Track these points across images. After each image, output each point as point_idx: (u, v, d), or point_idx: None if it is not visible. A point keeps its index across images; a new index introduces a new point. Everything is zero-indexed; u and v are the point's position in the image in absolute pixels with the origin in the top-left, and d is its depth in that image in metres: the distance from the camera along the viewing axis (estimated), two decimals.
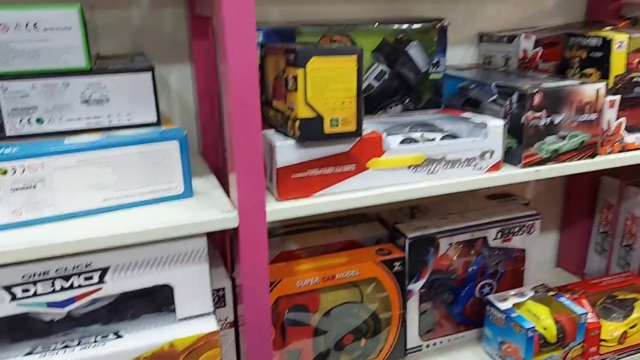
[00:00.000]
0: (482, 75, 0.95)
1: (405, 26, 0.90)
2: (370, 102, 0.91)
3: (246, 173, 0.63)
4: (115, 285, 0.64)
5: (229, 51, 0.59)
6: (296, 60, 0.64)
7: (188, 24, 0.87)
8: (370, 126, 0.78)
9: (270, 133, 0.71)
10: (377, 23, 0.89)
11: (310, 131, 0.66)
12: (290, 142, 0.67)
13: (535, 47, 0.98)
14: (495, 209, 1.01)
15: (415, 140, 0.76)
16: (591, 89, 0.80)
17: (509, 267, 1.02)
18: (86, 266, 0.62)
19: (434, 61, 0.92)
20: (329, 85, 0.65)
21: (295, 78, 0.64)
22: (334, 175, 0.70)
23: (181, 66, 0.90)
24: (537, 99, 0.77)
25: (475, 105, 0.88)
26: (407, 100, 0.93)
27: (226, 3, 0.58)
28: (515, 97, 0.79)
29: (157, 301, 0.69)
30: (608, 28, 1.03)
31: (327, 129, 0.67)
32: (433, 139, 0.77)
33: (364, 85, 0.90)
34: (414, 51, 0.91)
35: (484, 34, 1.06)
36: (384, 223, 1.01)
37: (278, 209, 0.67)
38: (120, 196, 0.66)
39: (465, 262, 0.99)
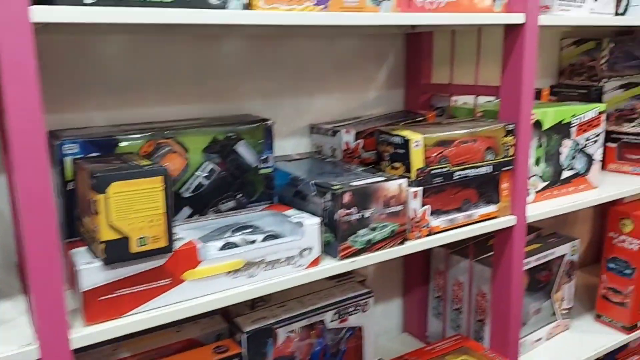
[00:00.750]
0: (311, 167, 1.03)
1: (232, 127, 0.95)
2: (202, 201, 0.93)
3: (44, 300, 0.62)
4: None
5: (18, 169, 0.58)
6: (96, 185, 0.64)
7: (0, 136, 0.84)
8: (191, 233, 0.80)
9: (80, 252, 0.70)
10: (205, 126, 0.93)
11: (116, 253, 0.66)
12: (97, 263, 0.66)
13: (357, 138, 1.08)
14: (332, 290, 1.07)
15: (235, 245, 0.79)
16: (394, 185, 0.89)
17: (350, 345, 1.07)
18: None
19: (263, 157, 0.97)
20: (133, 206, 0.66)
21: (96, 202, 0.65)
22: (147, 291, 0.70)
23: None
24: (346, 198, 0.85)
25: (303, 198, 0.94)
26: (240, 196, 0.97)
27: (13, 123, 0.57)
28: (328, 196, 0.85)
29: None
30: (419, 118, 1.17)
31: (135, 248, 0.67)
32: (254, 241, 0.81)
33: (195, 184, 0.93)
34: (243, 149, 0.96)
35: (314, 126, 1.14)
36: (227, 314, 1.02)
37: (85, 335, 0.65)
38: None
39: (308, 346, 1.02)
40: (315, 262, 0.84)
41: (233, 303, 0.76)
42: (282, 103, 1.12)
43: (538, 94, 1.36)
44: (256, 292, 0.78)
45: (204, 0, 0.72)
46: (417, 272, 1.32)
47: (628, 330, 1.32)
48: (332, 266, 0.85)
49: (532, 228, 1.38)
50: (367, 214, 0.87)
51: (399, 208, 0.90)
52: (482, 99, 1.21)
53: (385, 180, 0.89)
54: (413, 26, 1.14)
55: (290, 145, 1.14)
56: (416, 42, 1.22)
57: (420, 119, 1.18)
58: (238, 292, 0.76)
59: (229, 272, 0.76)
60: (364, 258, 0.88)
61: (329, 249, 0.87)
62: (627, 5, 1.22)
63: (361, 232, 0.87)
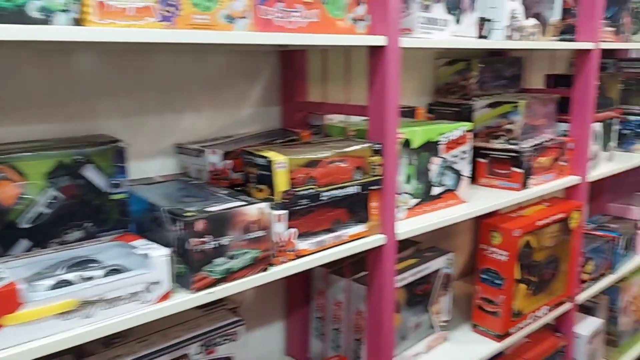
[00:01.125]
0: (173, 190, 0.97)
1: (79, 149, 0.87)
2: (43, 232, 0.84)
3: None
4: None
5: None
6: None
7: None
8: (19, 271, 0.72)
9: None
10: (47, 149, 0.85)
11: None
12: None
13: (225, 159, 1.04)
14: (199, 321, 1.01)
15: (69, 283, 0.72)
16: (255, 209, 0.86)
17: None
18: None
19: (114, 182, 0.90)
20: None
21: None
22: None
23: None
24: (199, 225, 0.80)
25: (160, 226, 0.88)
26: (89, 225, 0.89)
27: None
28: (180, 224, 0.80)
29: None
30: (294, 137, 1.15)
31: None
32: (91, 278, 0.74)
33: (34, 214, 0.84)
34: (91, 173, 0.88)
35: (180, 146, 1.08)
36: (81, 353, 0.93)
37: None
38: None
39: None
40: (165, 297, 0.78)
41: (66, 347, 0.68)
42: (146, 121, 1.05)
43: (413, 113, 1.40)
44: (94, 333, 0.71)
45: (23, 14, 0.65)
46: (299, 293, 1.30)
47: (500, 339, 1.38)
48: (185, 300, 0.80)
49: (411, 242, 1.40)
50: (224, 241, 0.83)
51: (260, 233, 0.87)
52: (359, 117, 1.22)
53: (245, 205, 0.85)
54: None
55: (154, 166, 1.07)
56: (290, 60, 1.20)
57: (295, 137, 1.16)
58: (72, 336, 0.69)
59: (60, 313, 0.68)
60: (222, 288, 0.83)
61: (182, 280, 0.81)
62: (490, 28, 1.28)
63: (218, 261, 0.83)
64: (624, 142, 1.87)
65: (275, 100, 1.23)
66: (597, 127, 1.58)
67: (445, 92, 1.54)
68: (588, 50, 1.45)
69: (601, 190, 2.20)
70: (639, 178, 2.16)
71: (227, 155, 1.04)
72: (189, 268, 0.80)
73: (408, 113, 1.41)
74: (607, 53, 2.01)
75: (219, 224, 0.82)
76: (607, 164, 1.69)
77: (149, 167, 1.06)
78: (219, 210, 0.82)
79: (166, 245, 0.81)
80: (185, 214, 0.80)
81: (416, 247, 1.40)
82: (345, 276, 1.21)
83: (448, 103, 1.50)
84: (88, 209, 0.88)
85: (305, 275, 1.29)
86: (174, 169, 1.10)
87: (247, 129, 1.20)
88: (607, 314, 1.88)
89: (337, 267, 1.25)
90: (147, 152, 1.06)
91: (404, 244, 1.42)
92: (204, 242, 0.80)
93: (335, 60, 1.28)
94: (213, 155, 1.02)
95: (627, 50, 2.13)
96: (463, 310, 1.56)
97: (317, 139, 1.17)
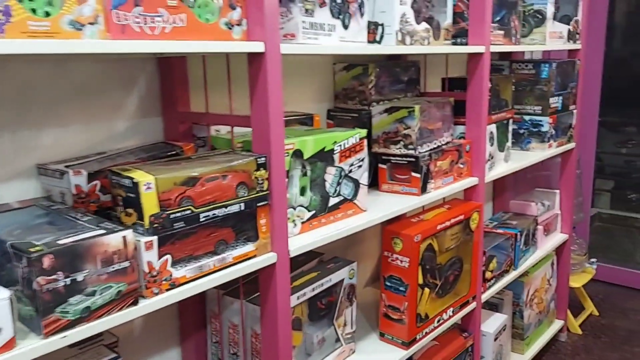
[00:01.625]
0: (30, 219, 0.85)
1: None
2: None
3: None
4: None
5: None
6: None
7: None
8: None
9: None
10: None
11: None
12: None
13: (93, 179, 0.94)
14: None
15: None
16: (116, 238, 0.77)
17: None
18: None
19: None
20: None
21: None
22: None
23: None
24: (46, 262, 0.70)
25: (11, 262, 0.76)
26: None
27: None
28: (24, 260, 0.70)
29: None
30: (175, 151, 1.07)
31: None
32: None
33: None
34: None
35: (41, 166, 0.97)
36: None
37: None
38: None
39: None
40: (7, 346, 0.67)
41: None
42: None
43: (313, 120, 1.36)
44: None
45: None
46: (194, 317, 1.21)
47: (407, 346, 1.36)
48: (33, 347, 0.69)
49: (315, 254, 1.36)
50: (80, 277, 0.73)
51: (125, 264, 0.78)
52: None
53: (105, 234, 0.76)
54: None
55: (12, 191, 0.95)
56: (169, 67, 1.11)
57: (177, 151, 1.07)
58: None
59: None
60: (81, 330, 0.74)
61: (32, 324, 0.71)
62: (382, 33, 1.26)
63: (74, 299, 0.73)
64: (520, 141, 1.93)
65: (156, 111, 1.14)
66: (493, 128, 1.61)
67: (344, 97, 1.51)
68: (480, 54, 1.47)
69: (503, 187, 2.28)
70: (537, 175, 2.26)
71: (95, 176, 0.94)
72: (36, 310, 0.70)
73: (307, 120, 1.36)
74: (502, 55, 2.08)
75: (72, 258, 0.72)
76: (504, 163, 1.74)
77: (5, 191, 0.94)
78: (72, 242, 0.73)
79: (16, 284, 0.71)
80: (30, 249, 0.70)
81: (319, 259, 1.36)
82: (240, 297, 1.14)
83: (347, 109, 1.47)
84: None
85: (200, 298, 1.21)
86: (38, 192, 0.98)
87: (125, 143, 1.10)
88: (512, 309, 1.94)
89: (232, 288, 1.17)
90: (2, 175, 0.93)
91: (308, 256, 1.37)
92: (54, 280, 0.71)
93: (219, 68, 1.20)
94: (77, 177, 0.91)
95: (522, 52, 2.21)
96: (373, 318, 1.53)
97: (200, 153, 1.09)
